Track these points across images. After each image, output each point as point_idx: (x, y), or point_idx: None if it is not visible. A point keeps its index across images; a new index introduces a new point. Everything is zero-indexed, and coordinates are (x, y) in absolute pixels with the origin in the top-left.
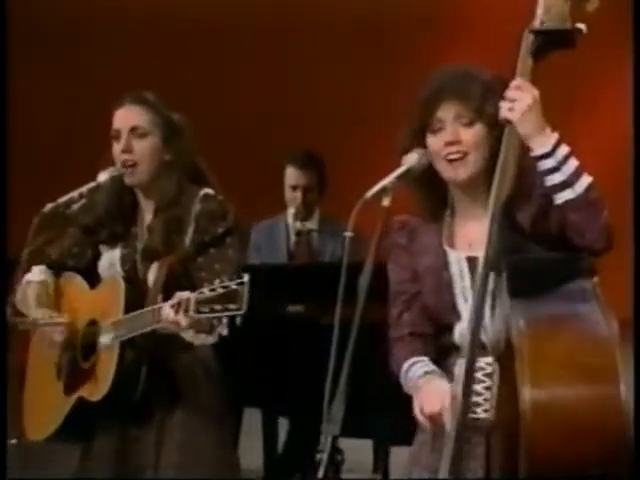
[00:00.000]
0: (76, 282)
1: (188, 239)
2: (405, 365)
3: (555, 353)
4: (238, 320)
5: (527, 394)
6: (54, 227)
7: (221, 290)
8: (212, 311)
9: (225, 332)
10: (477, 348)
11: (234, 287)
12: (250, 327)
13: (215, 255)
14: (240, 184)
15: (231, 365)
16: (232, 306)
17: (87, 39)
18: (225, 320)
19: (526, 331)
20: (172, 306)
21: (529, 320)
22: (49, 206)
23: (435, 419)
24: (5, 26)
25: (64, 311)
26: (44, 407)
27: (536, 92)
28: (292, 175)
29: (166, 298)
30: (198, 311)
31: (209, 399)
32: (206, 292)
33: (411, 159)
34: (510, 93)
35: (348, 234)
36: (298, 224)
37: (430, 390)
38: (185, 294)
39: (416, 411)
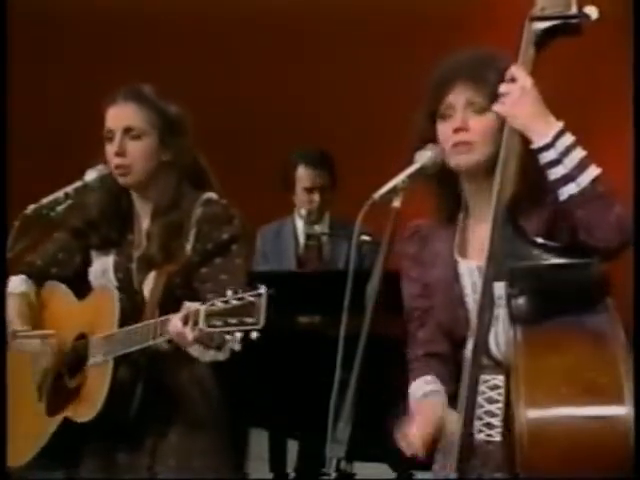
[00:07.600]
0: (60, 292)
1: (189, 246)
2: (412, 385)
3: (554, 368)
4: (254, 335)
5: (522, 414)
6: (37, 230)
7: (234, 302)
8: (226, 324)
9: (238, 348)
10: (480, 361)
11: (250, 299)
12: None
13: (221, 265)
14: (245, 185)
15: (233, 382)
16: (249, 319)
17: (87, 36)
18: (239, 335)
19: (522, 344)
20: (180, 318)
21: (527, 332)
22: (31, 207)
23: (425, 443)
24: (5, 25)
25: (48, 325)
26: (23, 431)
27: (528, 80)
28: (307, 176)
29: (162, 311)
30: (209, 324)
31: (206, 420)
32: (218, 303)
33: (424, 156)
34: (503, 86)
35: (365, 238)
36: (308, 227)
37: (424, 411)
38: (194, 305)
39: (409, 432)
